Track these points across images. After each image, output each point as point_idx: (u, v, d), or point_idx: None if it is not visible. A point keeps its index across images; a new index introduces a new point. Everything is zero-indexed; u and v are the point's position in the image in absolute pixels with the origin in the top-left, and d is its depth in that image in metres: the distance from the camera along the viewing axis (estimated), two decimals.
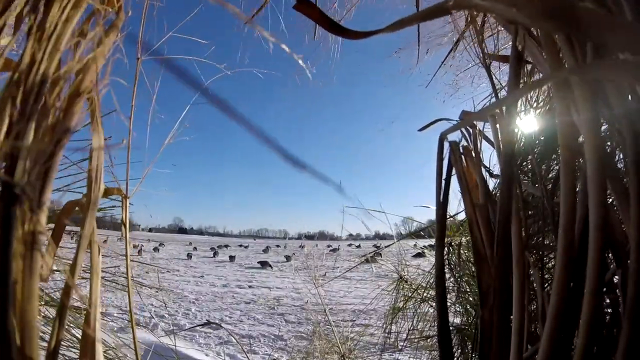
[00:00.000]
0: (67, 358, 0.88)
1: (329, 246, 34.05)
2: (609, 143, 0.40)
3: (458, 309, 1.28)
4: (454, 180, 0.45)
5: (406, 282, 1.74)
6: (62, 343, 0.90)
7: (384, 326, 1.73)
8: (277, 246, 38.14)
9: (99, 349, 0.24)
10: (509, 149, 0.27)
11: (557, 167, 0.66)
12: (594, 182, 0.22)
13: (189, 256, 18.89)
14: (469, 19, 0.73)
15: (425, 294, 1.54)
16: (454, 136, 0.50)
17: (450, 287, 1.26)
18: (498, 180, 0.87)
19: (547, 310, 0.23)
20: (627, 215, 0.27)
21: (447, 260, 1.30)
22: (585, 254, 0.24)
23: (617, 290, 0.37)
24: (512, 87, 0.26)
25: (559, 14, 0.17)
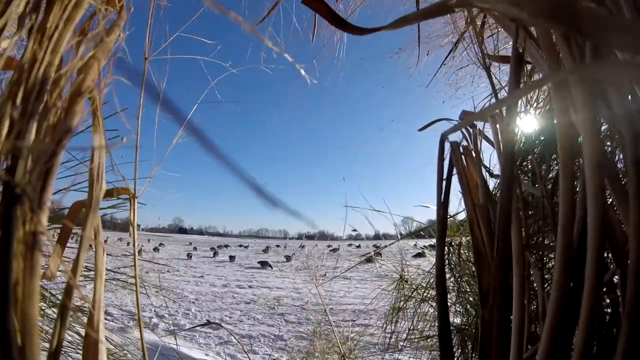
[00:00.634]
0: (70, 359, 0.88)
1: (329, 246, 34.05)
2: (608, 143, 0.40)
3: (458, 309, 1.28)
4: (455, 180, 0.45)
5: (406, 282, 1.74)
6: (66, 343, 0.90)
7: (384, 326, 1.73)
8: (277, 246, 38.15)
9: (103, 349, 0.24)
10: (509, 149, 0.27)
11: (557, 167, 0.66)
12: (592, 182, 0.22)
13: (189, 256, 18.89)
14: (469, 19, 0.73)
15: (425, 294, 1.54)
16: (455, 136, 0.50)
17: (451, 287, 1.26)
18: (498, 180, 0.87)
19: (547, 309, 0.23)
20: (627, 215, 0.28)
21: (447, 260, 1.30)
22: (584, 254, 0.24)
23: (617, 290, 0.37)
24: (512, 88, 0.26)
25: (560, 13, 0.17)
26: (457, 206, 1.26)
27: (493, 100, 0.86)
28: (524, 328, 0.34)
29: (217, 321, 5.97)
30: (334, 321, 2.35)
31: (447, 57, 1.15)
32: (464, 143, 0.49)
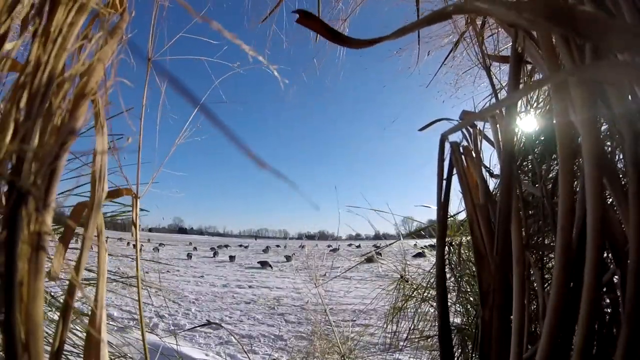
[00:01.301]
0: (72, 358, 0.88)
1: (329, 246, 34.06)
2: (608, 143, 0.40)
3: (458, 309, 1.28)
4: (455, 180, 0.45)
5: (407, 281, 1.74)
6: (68, 344, 0.90)
7: (385, 326, 1.73)
8: (277, 246, 38.16)
9: (105, 349, 0.24)
10: (509, 148, 0.27)
11: (557, 167, 0.66)
12: (591, 182, 0.22)
13: (189, 256, 18.88)
14: (469, 20, 0.73)
15: (425, 294, 1.55)
16: (455, 136, 0.50)
17: (451, 287, 1.26)
18: (498, 181, 0.87)
19: (547, 308, 0.23)
20: (627, 215, 0.28)
21: (447, 260, 1.30)
22: (584, 254, 0.24)
23: (617, 290, 0.38)
24: (512, 88, 0.27)
25: (559, 17, 0.17)
26: (457, 206, 1.26)
27: (493, 100, 0.86)
28: (524, 328, 0.34)
29: (217, 321, 5.97)
30: (334, 321, 2.36)
31: (447, 57, 1.15)
32: (464, 143, 0.49)
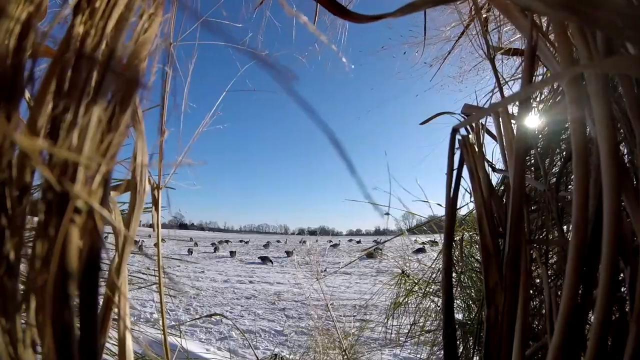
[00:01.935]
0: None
1: (329, 241, 34.11)
2: None
3: (460, 305, 1.28)
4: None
5: (408, 276, 1.74)
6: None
7: (385, 321, 1.73)
8: (278, 241, 38.19)
9: (129, 339, 0.23)
10: (521, 145, 0.26)
11: (560, 162, 0.66)
12: (609, 178, 0.21)
13: (190, 252, 18.90)
14: (474, 11, 0.72)
15: (427, 289, 1.55)
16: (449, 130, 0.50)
17: (453, 283, 1.26)
18: (500, 175, 0.87)
19: (558, 306, 0.22)
20: (636, 212, 0.27)
21: None
22: (594, 251, 0.24)
23: (622, 288, 0.37)
24: (525, 82, 0.26)
25: (575, 3, 0.17)
26: (460, 201, 1.25)
27: (497, 93, 0.85)
28: (528, 325, 0.34)
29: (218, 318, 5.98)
30: (334, 316, 2.36)
31: (453, 47, 1.14)
32: (463, 134, 0.48)
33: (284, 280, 10.03)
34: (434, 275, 1.49)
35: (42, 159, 0.17)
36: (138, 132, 0.24)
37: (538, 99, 0.78)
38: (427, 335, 1.56)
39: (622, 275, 0.35)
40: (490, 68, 0.69)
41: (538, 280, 0.69)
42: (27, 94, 0.19)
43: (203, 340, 4.66)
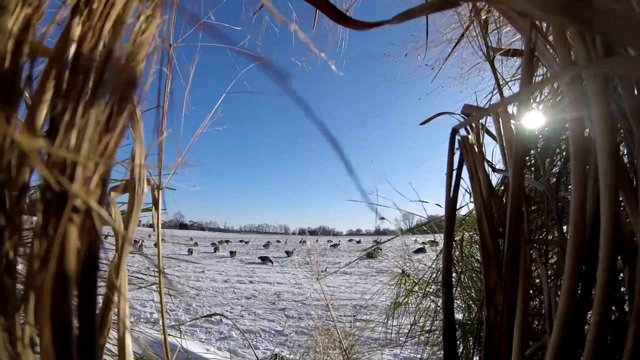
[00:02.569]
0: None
1: (329, 241, 34.11)
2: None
3: (460, 305, 1.28)
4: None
5: (408, 276, 1.74)
6: None
7: (386, 321, 1.73)
8: (278, 241, 38.19)
9: (129, 339, 0.23)
10: (520, 145, 0.26)
11: (560, 163, 0.66)
12: (607, 177, 0.21)
13: (190, 251, 18.90)
14: (473, 13, 0.72)
15: (426, 289, 1.55)
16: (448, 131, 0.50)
17: (453, 283, 1.26)
18: (501, 176, 0.87)
19: (557, 306, 0.22)
20: (635, 211, 0.27)
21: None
22: (592, 251, 0.24)
23: (622, 288, 0.37)
24: (525, 83, 0.26)
25: (574, 7, 0.17)
26: (460, 201, 1.26)
27: (496, 94, 0.85)
28: (527, 325, 0.34)
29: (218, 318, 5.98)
30: (334, 316, 2.36)
31: (451, 53, 1.14)
32: (463, 135, 0.48)
33: (284, 280, 10.03)
34: (434, 275, 1.49)
35: (40, 158, 0.17)
36: (137, 133, 0.24)
37: (538, 99, 0.78)
38: (427, 335, 1.56)
39: (621, 275, 0.35)
40: (491, 69, 0.70)
41: (538, 281, 0.69)
42: (26, 94, 0.19)
43: (203, 340, 4.66)
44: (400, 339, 1.69)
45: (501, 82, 0.84)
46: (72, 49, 0.18)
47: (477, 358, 0.98)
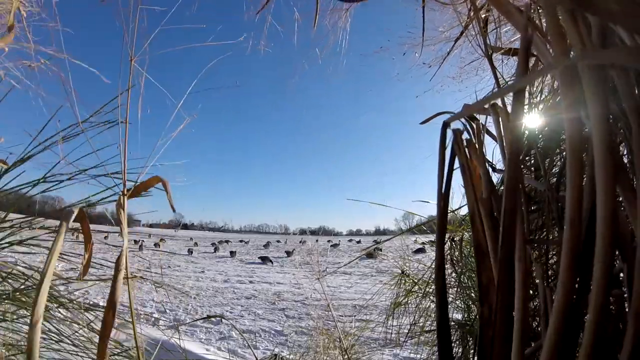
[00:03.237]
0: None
1: (329, 241, 34.13)
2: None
3: (459, 305, 1.28)
4: (456, 173, 0.45)
5: (407, 276, 1.74)
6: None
7: (385, 321, 1.73)
8: (278, 241, 38.22)
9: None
10: (515, 142, 0.26)
11: (560, 162, 0.66)
12: (603, 173, 0.21)
13: (190, 252, 18.92)
14: (472, 11, 0.72)
15: (426, 289, 1.54)
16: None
17: (452, 283, 1.26)
18: (502, 175, 0.87)
19: (552, 306, 0.22)
20: (633, 209, 0.27)
21: (449, 256, 1.30)
22: (591, 249, 0.24)
23: (622, 287, 0.37)
24: (519, 74, 0.26)
25: None
26: (460, 201, 1.25)
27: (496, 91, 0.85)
28: (527, 325, 0.34)
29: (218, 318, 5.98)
30: (334, 316, 2.36)
31: (450, 52, 1.14)
32: (466, 137, 0.48)
33: (284, 280, 10.03)
34: (434, 275, 1.49)
35: None
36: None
37: (538, 99, 0.78)
38: (427, 335, 1.56)
39: (621, 275, 0.35)
40: (490, 68, 0.69)
41: (538, 281, 0.69)
42: None
43: (203, 340, 4.66)
44: (400, 339, 1.68)
45: (501, 82, 0.84)
46: None
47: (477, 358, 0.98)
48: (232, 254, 18.40)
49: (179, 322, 5.38)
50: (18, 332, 0.86)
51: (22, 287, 0.88)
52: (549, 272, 0.62)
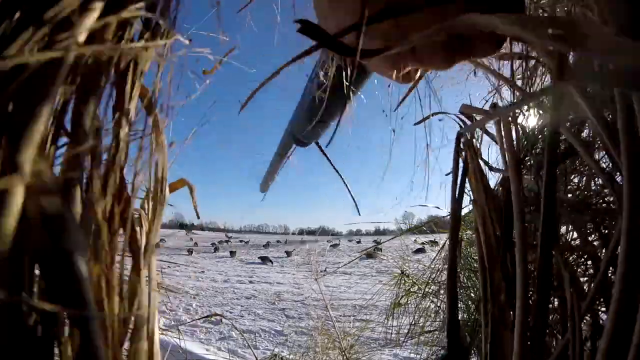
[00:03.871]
0: None
1: (329, 241, 34.13)
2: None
3: (459, 305, 1.28)
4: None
5: (407, 277, 1.75)
6: None
7: (385, 321, 1.74)
8: (278, 241, 38.20)
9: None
10: (553, 134, 0.26)
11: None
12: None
13: (190, 252, 18.91)
14: None
15: (426, 289, 1.55)
16: (453, 129, 0.50)
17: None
18: (500, 175, 0.87)
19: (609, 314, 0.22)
20: None
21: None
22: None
23: None
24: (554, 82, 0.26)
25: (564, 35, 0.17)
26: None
27: (496, 94, 0.85)
28: (527, 325, 0.34)
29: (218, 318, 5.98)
30: (334, 316, 2.36)
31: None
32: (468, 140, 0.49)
33: (284, 280, 10.03)
34: (434, 275, 1.49)
35: None
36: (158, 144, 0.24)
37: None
38: (427, 335, 1.56)
39: None
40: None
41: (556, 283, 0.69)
42: None
43: (203, 340, 4.66)
44: (400, 339, 1.69)
45: (500, 85, 0.84)
46: None
47: (477, 358, 0.98)
48: (232, 254, 18.37)
49: (179, 322, 5.38)
50: None
51: None
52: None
